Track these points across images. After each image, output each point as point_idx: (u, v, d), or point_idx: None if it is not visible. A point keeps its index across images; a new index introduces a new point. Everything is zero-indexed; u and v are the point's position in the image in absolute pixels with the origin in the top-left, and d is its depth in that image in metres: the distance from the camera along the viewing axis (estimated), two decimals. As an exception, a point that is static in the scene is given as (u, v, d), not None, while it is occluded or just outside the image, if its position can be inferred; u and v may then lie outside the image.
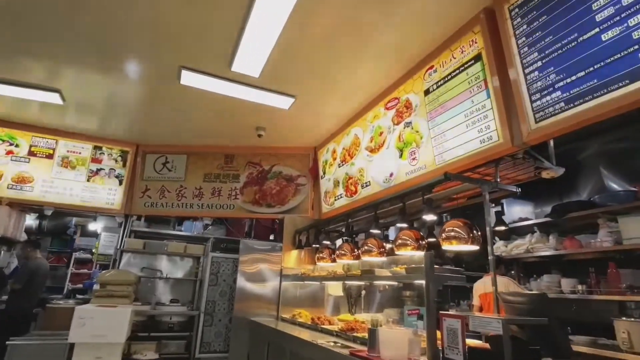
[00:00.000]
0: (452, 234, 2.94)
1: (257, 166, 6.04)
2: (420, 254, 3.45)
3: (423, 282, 2.62)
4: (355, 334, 3.28)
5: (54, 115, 5.41)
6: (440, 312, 2.36)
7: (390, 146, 4.06)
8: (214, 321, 5.58)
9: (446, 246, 2.96)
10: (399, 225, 3.84)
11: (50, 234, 8.34)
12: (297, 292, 5.37)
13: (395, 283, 5.03)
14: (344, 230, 5.70)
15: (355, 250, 4.53)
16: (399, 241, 3.51)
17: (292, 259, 5.56)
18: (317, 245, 5.22)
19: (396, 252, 3.53)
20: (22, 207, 5.55)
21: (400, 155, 3.87)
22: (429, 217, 3.03)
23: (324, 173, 5.63)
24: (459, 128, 3.13)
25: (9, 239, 5.44)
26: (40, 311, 4.83)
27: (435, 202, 3.99)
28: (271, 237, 6.64)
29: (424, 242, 3.44)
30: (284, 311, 5.19)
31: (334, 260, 5.01)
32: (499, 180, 2.97)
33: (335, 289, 5.51)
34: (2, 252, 5.57)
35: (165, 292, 5.93)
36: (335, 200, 5.21)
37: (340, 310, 5.46)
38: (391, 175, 4.00)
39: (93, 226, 6.35)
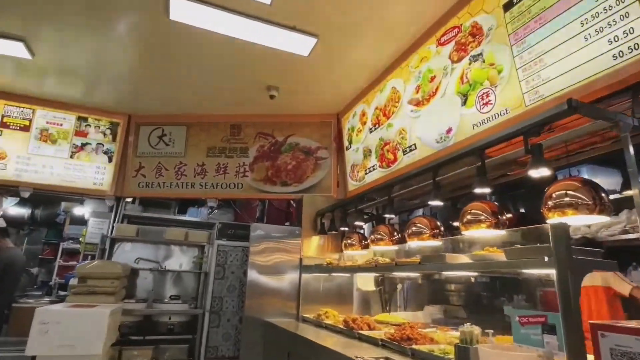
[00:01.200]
0: (567, 200, 1.93)
1: (269, 137, 5.08)
2: (496, 233, 2.46)
3: (547, 270, 1.63)
4: (414, 347, 2.31)
5: (30, 80, 4.53)
6: (591, 321, 1.37)
7: (447, 93, 3.05)
8: (221, 321, 4.68)
9: (557, 219, 1.95)
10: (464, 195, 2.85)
11: (46, 224, 7.58)
12: (321, 287, 4.43)
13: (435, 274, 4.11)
14: (374, 211, 4.73)
15: (396, 233, 3.58)
16: (469, 217, 2.52)
17: (312, 246, 4.61)
18: (346, 229, 4.26)
19: (464, 233, 2.54)
20: None
21: (464, 102, 2.86)
22: (540, 173, 2.00)
23: (350, 143, 4.64)
24: (571, 44, 2.11)
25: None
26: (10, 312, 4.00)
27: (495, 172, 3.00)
28: (286, 224, 5.70)
29: (504, 218, 2.45)
30: (306, 310, 4.26)
31: (365, 247, 4.06)
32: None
33: (365, 282, 4.56)
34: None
35: (164, 288, 5.05)
36: (366, 173, 4.23)
37: (371, 307, 4.51)
38: (449, 131, 3.00)
39: (79, 211, 5.52)
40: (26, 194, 4.70)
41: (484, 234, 2.54)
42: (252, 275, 4.27)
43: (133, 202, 5.13)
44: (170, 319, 4.50)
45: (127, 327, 4.29)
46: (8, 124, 4.73)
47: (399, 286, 4.54)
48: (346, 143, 4.75)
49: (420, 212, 4.99)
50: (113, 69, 4.22)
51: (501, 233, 2.50)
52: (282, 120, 5.07)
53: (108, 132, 5.14)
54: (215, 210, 5.35)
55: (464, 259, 2.33)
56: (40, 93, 4.81)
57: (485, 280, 4.55)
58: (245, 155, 5.05)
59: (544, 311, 3.86)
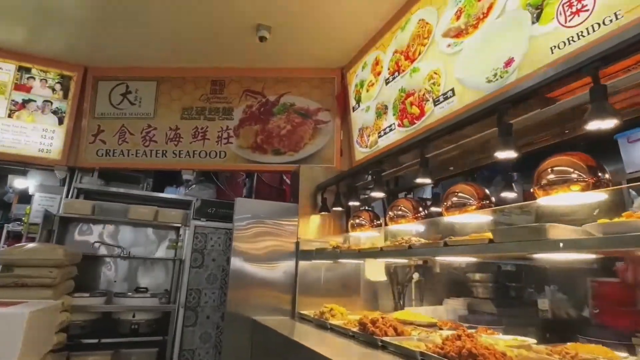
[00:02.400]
0: None
1: (259, 96, 4.17)
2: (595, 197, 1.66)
3: None
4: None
5: None
6: None
7: (508, 9, 2.20)
8: (198, 319, 3.83)
9: None
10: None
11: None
12: (322, 277, 3.60)
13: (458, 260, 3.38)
14: (388, 185, 3.90)
15: (421, 208, 2.78)
16: (551, 177, 1.71)
17: (312, 227, 3.76)
18: (356, 203, 3.43)
19: (541, 200, 1.73)
20: None
21: (537, 18, 2.02)
22: None
23: (358, 102, 3.78)
24: None
25: None
26: None
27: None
28: (278, 204, 4.84)
29: (605, 177, 1.64)
30: (304, 305, 3.44)
31: (376, 227, 3.26)
32: None
33: (375, 271, 3.76)
34: None
35: (130, 279, 4.16)
36: (380, 137, 3.39)
37: (379, 301, 3.73)
38: (509, 62, 2.16)
39: (21, 184, 4.54)
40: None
41: (574, 200, 1.73)
42: (237, 262, 3.41)
43: (91, 174, 4.18)
44: (134, 316, 3.62)
45: (79, 328, 3.41)
46: None
47: (415, 275, 3.74)
48: (353, 103, 3.88)
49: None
50: (64, 6, 3.27)
51: (602, 198, 1.68)
52: (274, 75, 4.17)
53: (58, 87, 4.16)
54: (193, 186, 4.45)
55: (572, 232, 1.49)
56: (-32, 35, 3.80)
57: (510, 269, 3.83)
58: (229, 117, 4.14)
59: (598, 307, 3.11)
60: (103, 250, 4.10)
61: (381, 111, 3.38)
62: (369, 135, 3.59)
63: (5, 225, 4.75)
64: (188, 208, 4.23)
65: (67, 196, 4.04)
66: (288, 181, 4.86)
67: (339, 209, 3.58)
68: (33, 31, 3.81)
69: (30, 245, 2.89)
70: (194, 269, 3.91)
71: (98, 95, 4.22)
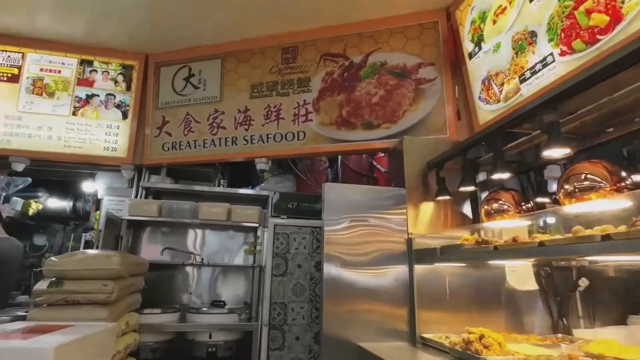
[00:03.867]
0: None
1: (340, 59, 3.34)
2: None
3: None
4: None
5: (19, 14, 3.30)
6: None
7: None
8: (286, 341, 3.06)
9: None
10: None
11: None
12: (447, 285, 2.60)
13: None
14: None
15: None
16: None
17: (422, 218, 2.79)
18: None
19: None
20: None
21: None
22: None
23: (479, 43, 2.74)
24: None
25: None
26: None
27: None
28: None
29: None
30: (425, 323, 2.48)
31: (527, 212, 2.23)
32: None
33: (521, 277, 2.69)
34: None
35: (203, 290, 3.57)
36: (524, 80, 2.31)
37: (528, 318, 2.62)
38: None
39: (89, 188, 4.27)
40: (20, 167, 3.47)
41: None
42: (331, 269, 2.56)
43: (156, 172, 3.70)
44: (211, 337, 2.97)
45: (149, 351, 2.84)
46: (-8, 74, 3.53)
47: (583, 282, 2.57)
48: (469, 47, 2.85)
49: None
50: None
51: None
52: (357, 30, 3.30)
53: (120, 78, 3.76)
54: (270, 178, 3.75)
55: None
56: (33, 30, 3.56)
57: None
58: (306, 90, 3.37)
59: None
60: (173, 258, 3.56)
61: (524, 42, 2.32)
62: (501, 85, 2.53)
63: (84, 234, 4.52)
64: (265, 205, 3.52)
65: (135, 198, 3.59)
66: (380, 167, 3.94)
67: (470, 188, 2.56)
68: (93, 22, 3.47)
69: (83, 253, 2.36)
70: (276, 277, 3.17)
71: (161, 83, 3.75)
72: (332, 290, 2.54)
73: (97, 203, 4.23)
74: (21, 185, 4.80)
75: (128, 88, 3.75)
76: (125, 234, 3.30)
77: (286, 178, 3.77)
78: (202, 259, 3.47)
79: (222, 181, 4.03)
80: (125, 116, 3.70)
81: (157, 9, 3.20)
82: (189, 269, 3.59)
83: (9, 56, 3.57)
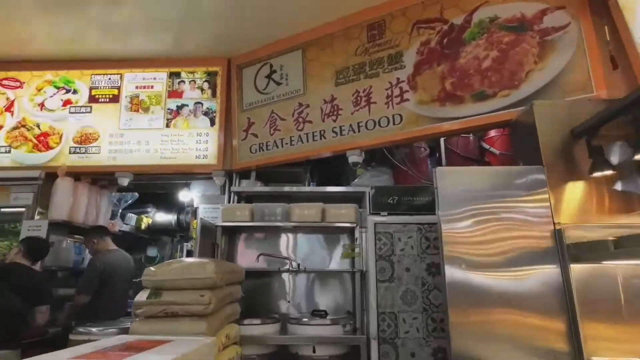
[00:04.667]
0: None
1: (437, 24, 2.83)
2: None
3: None
4: None
5: (117, 39, 3.51)
6: None
7: None
8: (400, 358, 2.61)
9: None
10: None
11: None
12: (620, 290, 1.91)
13: None
14: None
15: None
16: None
17: (572, 203, 2.12)
18: None
19: None
20: (83, 174, 3.74)
21: None
22: None
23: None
24: None
25: (79, 226, 3.72)
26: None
27: None
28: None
29: None
30: (594, 341, 1.84)
31: None
32: None
33: None
34: (69, 246, 3.83)
35: (301, 299, 3.31)
36: None
37: None
38: None
39: (185, 197, 4.34)
40: (125, 181, 3.63)
41: None
42: (454, 273, 2.06)
43: (245, 176, 3.59)
44: (314, 351, 2.67)
45: (251, 365, 2.64)
46: (97, 97, 3.78)
47: None
48: (618, -28, 2.13)
49: None
50: (202, 2, 2.84)
51: None
52: (456, -15, 2.77)
53: (206, 85, 3.76)
54: (365, 172, 3.37)
55: None
56: (128, 52, 3.74)
57: None
58: (398, 66, 2.93)
59: None
60: (271, 264, 3.37)
61: None
62: (684, 8, 1.79)
63: (185, 244, 4.66)
64: (361, 203, 3.15)
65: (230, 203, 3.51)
66: (493, 149, 3.30)
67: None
68: (178, 35, 3.53)
69: (179, 261, 2.23)
70: (382, 283, 2.75)
71: (244, 85, 3.65)
72: (458, 297, 2.04)
73: (195, 212, 4.30)
74: (130, 201, 5.16)
75: (214, 94, 3.73)
76: (220, 241, 3.21)
77: (381, 171, 3.35)
78: (298, 264, 3.21)
79: (310, 183, 3.78)
80: (213, 123, 3.68)
81: (235, 10, 3.12)
82: (284, 275, 3.37)
83: (109, 79, 3.80)
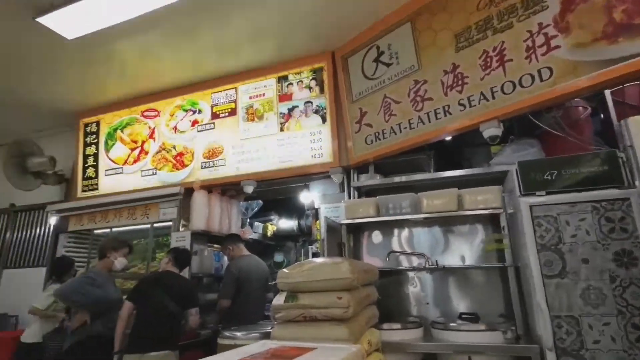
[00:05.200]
0: None
1: (590, -59, 2.18)
2: None
3: None
4: None
5: (229, 56, 3.75)
6: None
7: None
8: (593, 375, 2.02)
9: None
10: None
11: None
12: None
13: None
14: None
15: None
16: None
17: None
18: None
19: None
20: (213, 186, 3.99)
21: None
22: None
23: None
24: None
25: (215, 234, 3.97)
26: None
27: None
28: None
29: None
30: None
31: None
32: None
33: None
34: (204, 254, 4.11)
35: (441, 300, 2.91)
36: None
37: None
38: None
39: (306, 199, 4.27)
40: (249, 189, 3.76)
41: None
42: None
43: (363, 170, 3.36)
44: (471, 361, 2.26)
45: (398, 375, 2.36)
46: (218, 113, 4.04)
47: None
48: None
49: None
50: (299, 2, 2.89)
51: None
52: None
53: (313, 83, 3.69)
54: (501, 151, 2.82)
55: None
56: (239, 66, 3.92)
57: None
58: (538, 8, 2.35)
59: None
60: (402, 262, 3.07)
61: None
62: None
63: (310, 247, 4.67)
64: (502, 182, 2.63)
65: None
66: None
67: None
68: (281, 39, 3.55)
69: (310, 262, 2.10)
70: (550, 279, 2.20)
71: (351, 75, 3.46)
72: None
73: (316, 214, 4.26)
74: (256, 209, 5.44)
75: (322, 91, 3.63)
76: (346, 240, 3.05)
77: (526, 144, 2.75)
78: (436, 261, 2.83)
79: (431, 164, 3.35)
80: (324, 120, 3.57)
81: (331, 0, 2.97)
82: (419, 274, 3.03)
83: (226, 94, 4.03)
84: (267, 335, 2.20)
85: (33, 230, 4.94)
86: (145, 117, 4.36)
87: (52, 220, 4.57)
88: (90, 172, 4.54)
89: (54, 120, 4.89)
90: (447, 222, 3.00)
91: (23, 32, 3.25)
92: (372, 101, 3.25)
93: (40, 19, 3.07)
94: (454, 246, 3.00)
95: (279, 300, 1.95)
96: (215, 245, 4.18)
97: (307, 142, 3.58)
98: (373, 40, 3.27)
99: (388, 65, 3.15)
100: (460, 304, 2.85)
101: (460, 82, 2.68)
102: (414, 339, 2.44)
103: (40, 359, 3.25)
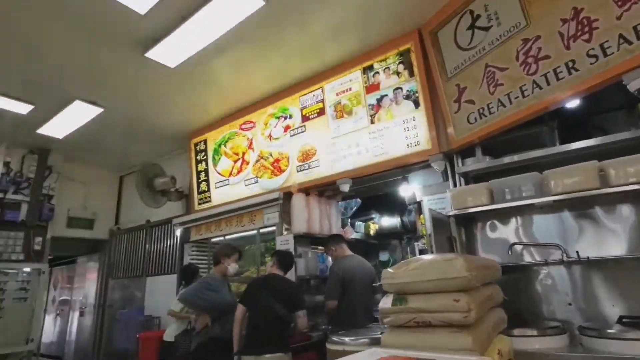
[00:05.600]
0: None
1: None
2: None
3: None
4: None
5: (312, 57, 3.75)
6: None
7: None
8: None
9: None
10: None
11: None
12: None
13: None
14: None
15: None
16: None
17: None
18: None
19: None
20: (310, 188, 3.97)
21: None
22: None
23: None
24: None
25: (317, 236, 3.95)
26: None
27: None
28: None
29: None
30: None
31: None
32: None
33: None
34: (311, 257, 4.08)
35: (583, 300, 2.36)
36: None
37: None
38: None
39: (406, 192, 3.92)
40: (346, 187, 3.66)
41: None
42: None
43: (469, 153, 2.96)
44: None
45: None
46: (308, 115, 4.04)
47: None
48: None
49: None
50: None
51: None
52: None
53: (401, 68, 3.42)
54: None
55: None
56: (323, 65, 3.88)
57: None
58: None
59: None
60: (525, 256, 2.60)
61: None
62: None
63: (415, 244, 4.36)
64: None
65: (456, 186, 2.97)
66: None
67: None
68: (362, 28, 3.38)
69: (417, 260, 1.86)
70: None
71: (443, 50, 3.10)
72: None
73: (418, 208, 3.95)
74: (355, 207, 5.32)
75: (411, 74, 3.34)
76: (457, 234, 2.71)
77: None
78: (577, 252, 2.32)
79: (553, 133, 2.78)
80: (417, 105, 3.27)
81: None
82: (552, 268, 2.52)
83: (313, 95, 4.01)
84: (376, 342, 2.03)
85: (165, 242, 5.64)
86: (243, 129, 4.61)
87: (178, 232, 5.14)
88: (203, 186, 4.99)
89: (171, 144, 5.53)
90: (582, 205, 2.44)
91: (137, 68, 3.71)
92: (472, 74, 2.84)
93: (148, 54, 3.45)
94: (593, 233, 2.43)
95: (386, 302, 1.77)
96: (318, 247, 4.18)
97: (401, 131, 3.32)
98: (465, 5, 2.88)
99: (487, 29, 2.73)
100: (617, 305, 2.27)
101: (587, 29, 2.15)
102: (558, 348, 2.01)
103: (175, 357, 3.61)
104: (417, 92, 3.28)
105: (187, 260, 5.01)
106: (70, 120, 4.67)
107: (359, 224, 5.96)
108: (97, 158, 6.23)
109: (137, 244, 6.13)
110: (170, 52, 3.43)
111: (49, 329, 8.66)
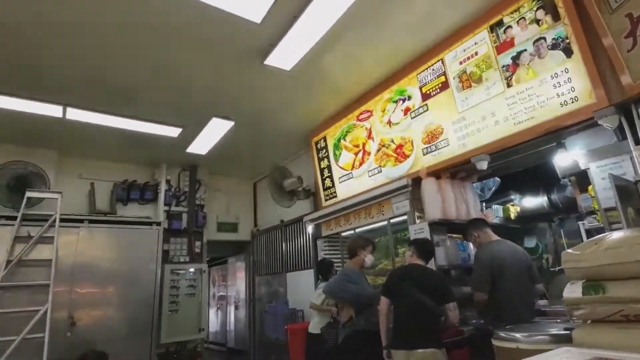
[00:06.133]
0: None
1: None
2: None
3: None
4: None
5: (424, 29, 3.47)
6: None
7: None
8: None
9: None
10: None
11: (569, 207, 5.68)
12: None
13: None
14: None
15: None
16: None
17: None
18: None
19: None
20: (441, 171, 3.62)
21: None
22: None
23: None
24: None
25: (454, 222, 3.57)
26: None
27: None
28: None
29: None
30: None
31: None
32: None
33: None
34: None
35: None
36: None
37: None
38: None
39: (565, 161, 3.15)
40: (483, 164, 3.25)
41: None
42: None
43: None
44: None
45: None
46: (429, 92, 3.72)
47: None
48: None
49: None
50: None
51: None
52: None
53: (540, 14, 2.86)
54: None
55: None
56: (437, 35, 3.54)
57: None
58: None
59: None
60: None
61: None
62: None
63: (580, 223, 3.62)
64: None
65: None
66: None
67: None
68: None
69: (612, 236, 1.45)
70: None
71: (599, -23, 2.46)
72: None
73: (579, 180, 3.27)
74: (493, 188, 4.74)
75: (555, 18, 2.76)
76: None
77: None
78: None
79: None
80: (568, 53, 2.68)
81: None
82: None
83: (433, 69, 3.67)
84: (557, 338, 1.68)
85: (298, 239, 5.95)
86: (360, 120, 4.53)
87: (309, 229, 5.35)
88: (327, 182, 5.08)
89: (294, 145, 5.80)
90: None
91: (258, 77, 3.95)
92: (651, -5, 2.18)
93: (267, 61, 3.64)
94: None
95: (573, 291, 1.42)
96: (455, 235, 3.82)
97: (550, 89, 2.77)
98: None
99: None
100: None
101: None
102: None
103: (322, 349, 3.71)
104: (567, 37, 2.69)
105: (320, 255, 5.17)
106: (209, 137, 5.28)
107: (496, 207, 5.31)
108: (232, 168, 6.97)
109: (274, 243, 6.63)
110: (285, 55, 3.55)
111: (213, 320, 10.11)
